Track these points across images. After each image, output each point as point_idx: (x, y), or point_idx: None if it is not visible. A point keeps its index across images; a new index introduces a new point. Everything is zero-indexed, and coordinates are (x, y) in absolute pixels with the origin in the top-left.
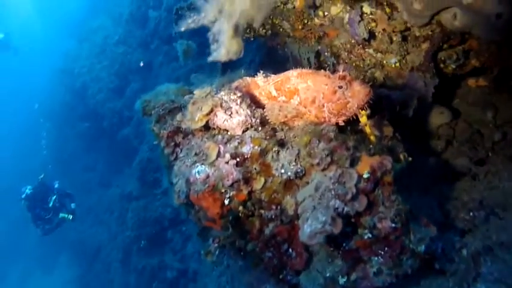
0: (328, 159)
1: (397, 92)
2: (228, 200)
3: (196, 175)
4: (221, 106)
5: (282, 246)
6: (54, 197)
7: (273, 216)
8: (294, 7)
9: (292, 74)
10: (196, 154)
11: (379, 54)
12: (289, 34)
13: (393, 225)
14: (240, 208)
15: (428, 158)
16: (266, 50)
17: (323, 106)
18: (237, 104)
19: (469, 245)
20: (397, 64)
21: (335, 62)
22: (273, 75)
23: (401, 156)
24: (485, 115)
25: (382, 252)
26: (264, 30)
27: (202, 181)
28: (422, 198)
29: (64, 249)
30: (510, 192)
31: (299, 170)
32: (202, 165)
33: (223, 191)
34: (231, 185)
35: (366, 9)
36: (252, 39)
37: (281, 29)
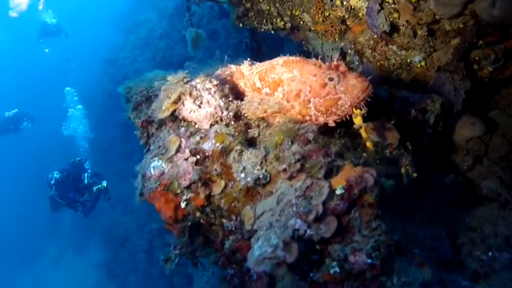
0: (298, 165)
1: (418, 94)
2: (184, 203)
3: (152, 171)
4: (190, 94)
5: (243, 264)
6: (86, 173)
7: (233, 228)
8: None
9: (278, 61)
10: (159, 147)
11: (403, 52)
12: (310, 28)
13: (369, 260)
14: (198, 214)
15: (445, 176)
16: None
17: (309, 101)
18: (209, 94)
19: None
20: (423, 63)
21: (359, 60)
22: (258, 63)
23: (403, 170)
24: None
25: None
26: (282, 22)
27: (156, 178)
28: (429, 227)
29: (96, 233)
30: None
31: (261, 176)
32: (159, 160)
33: (178, 192)
34: (188, 186)
35: None
36: (272, 32)
37: (302, 22)
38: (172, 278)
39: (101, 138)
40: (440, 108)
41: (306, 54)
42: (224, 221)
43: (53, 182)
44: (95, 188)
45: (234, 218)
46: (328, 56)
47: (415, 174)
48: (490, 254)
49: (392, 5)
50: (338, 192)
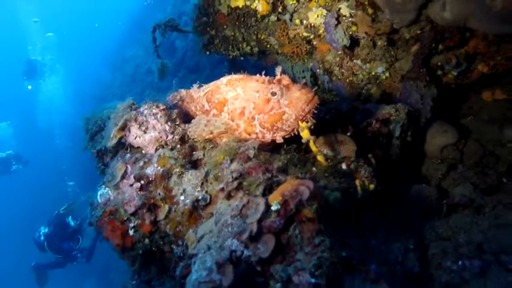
0: (235, 183)
1: (381, 105)
2: (132, 230)
3: (98, 199)
4: (136, 120)
5: None
6: (70, 216)
7: (181, 254)
8: (261, 16)
9: (222, 81)
10: (108, 175)
11: (367, 65)
12: (278, 51)
13: (313, 280)
14: (147, 241)
15: (414, 187)
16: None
17: (253, 119)
18: (155, 118)
19: None
20: (387, 74)
21: (329, 79)
22: (204, 85)
23: (357, 183)
24: (503, 133)
25: None
26: (249, 47)
27: (102, 206)
28: (394, 240)
29: (92, 272)
30: None
31: (200, 197)
32: (106, 188)
33: (125, 218)
34: (134, 213)
35: (345, 11)
36: (241, 58)
37: (269, 45)
38: None
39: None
40: (407, 118)
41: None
42: (173, 246)
43: (42, 238)
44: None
45: (180, 243)
46: (299, 78)
47: (372, 186)
48: (460, 263)
49: (350, 19)
50: (273, 208)
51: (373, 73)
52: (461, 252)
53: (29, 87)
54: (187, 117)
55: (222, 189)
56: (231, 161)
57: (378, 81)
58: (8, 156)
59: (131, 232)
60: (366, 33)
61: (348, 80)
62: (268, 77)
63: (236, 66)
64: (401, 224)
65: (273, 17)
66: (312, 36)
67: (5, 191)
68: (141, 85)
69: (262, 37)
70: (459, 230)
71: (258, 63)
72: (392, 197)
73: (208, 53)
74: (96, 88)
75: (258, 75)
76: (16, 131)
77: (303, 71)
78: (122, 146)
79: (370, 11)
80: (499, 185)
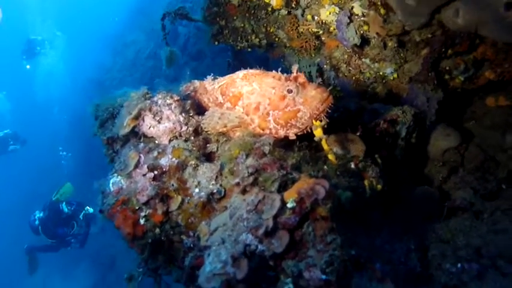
0: (250, 179)
1: (389, 106)
2: (143, 219)
3: (110, 187)
4: (150, 110)
5: None
6: (64, 203)
7: (192, 245)
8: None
9: (238, 75)
10: (120, 163)
11: (376, 65)
12: (286, 44)
13: (324, 276)
14: (157, 230)
15: (417, 189)
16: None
17: (268, 114)
18: (169, 109)
19: None
20: (395, 75)
21: (335, 75)
22: (220, 78)
23: (366, 183)
24: (504, 139)
25: None
26: (257, 39)
27: (114, 194)
28: (398, 240)
29: (84, 258)
30: None
31: (215, 191)
32: (118, 176)
33: (136, 208)
34: (146, 202)
35: (357, 10)
36: (249, 49)
37: (277, 39)
38: None
39: (89, 158)
40: (413, 120)
41: (285, 71)
42: (183, 237)
43: (37, 222)
44: (81, 215)
45: (191, 234)
46: (305, 72)
47: (379, 186)
48: (459, 265)
49: (362, 18)
50: (289, 205)
51: (381, 73)
52: (460, 255)
53: (28, 66)
54: (199, 109)
55: (238, 184)
56: (247, 156)
57: (384, 81)
58: (6, 135)
59: (142, 221)
60: (377, 33)
61: (354, 78)
62: (284, 74)
63: (239, 57)
64: (404, 224)
65: (284, 11)
66: (321, 32)
67: (2, 171)
68: (141, 70)
69: (271, 30)
70: (458, 233)
71: (262, 55)
72: (396, 198)
73: (217, 43)
74: (95, 72)
75: (274, 71)
76: (13, 106)
77: (309, 66)
78: (133, 134)
79: (382, 11)
80: (498, 191)
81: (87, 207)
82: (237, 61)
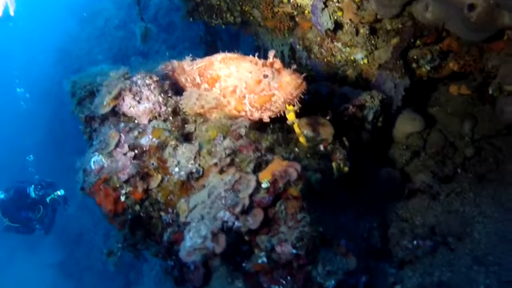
0: (228, 160)
1: (358, 91)
2: (124, 196)
3: (92, 165)
4: (130, 90)
5: None
6: (32, 186)
7: (171, 221)
8: None
9: (216, 58)
10: (100, 142)
11: (347, 49)
12: (260, 23)
13: (294, 251)
14: (137, 207)
15: (381, 170)
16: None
17: (244, 97)
18: (149, 89)
19: (405, 282)
20: (365, 60)
21: (307, 56)
22: (198, 59)
23: (334, 165)
24: (463, 127)
25: (284, 282)
26: (232, 17)
27: (96, 173)
28: (361, 218)
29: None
30: (470, 219)
31: (194, 170)
32: (99, 155)
33: (117, 186)
34: (127, 181)
35: None
36: (223, 26)
37: (252, 18)
38: (128, 275)
39: (55, 132)
40: (380, 104)
41: (259, 48)
42: (162, 214)
43: None
44: (48, 199)
45: (170, 211)
46: (277, 52)
47: (346, 169)
48: (415, 242)
49: (337, 4)
50: (264, 185)
51: (352, 58)
52: (417, 232)
53: None
54: (177, 88)
55: (216, 164)
56: (224, 137)
57: (354, 64)
58: None
59: (122, 198)
60: (350, 19)
61: (326, 60)
62: (261, 59)
63: (211, 31)
64: (367, 203)
65: None
66: (295, 13)
67: None
68: (110, 40)
69: (246, 9)
70: (416, 212)
71: (235, 31)
72: (361, 178)
73: (191, 19)
74: (62, 41)
75: (250, 56)
76: None
77: (282, 45)
78: (112, 113)
79: None
80: (454, 174)
81: (58, 191)
82: (209, 35)
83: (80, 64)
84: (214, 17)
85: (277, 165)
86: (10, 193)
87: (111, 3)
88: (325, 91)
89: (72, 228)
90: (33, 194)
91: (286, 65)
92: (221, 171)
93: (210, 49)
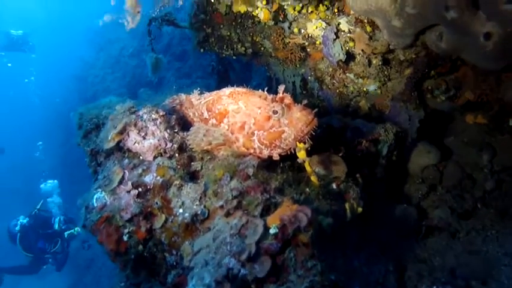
0: (234, 202)
1: (371, 124)
2: (126, 236)
3: (94, 202)
4: (135, 125)
5: None
6: (58, 218)
7: (175, 263)
8: (263, 22)
9: (225, 92)
10: (104, 178)
11: (360, 80)
12: (271, 54)
13: None
14: (140, 247)
15: (396, 207)
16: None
17: (253, 134)
18: (155, 124)
19: None
20: (378, 91)
21: (319, 87)
22: (206, 93)
23: (347, 206)
24: (481, 158)
25: None
26: (243, 48)
27: (98, 210)
28: (376, 261)
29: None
30: (494, 260)
31: (199, 212)
32: (102, 192)
33: (120, 224)
34: (130, 219)
35: (344, 26)
36: (234, 57)
37: (263, 48)
38: None
39: (68, 158)
40: (394, 138)
41: (270, 79)
42: (166, 255)
43: (18, 228)
44: (66, 234)
45: (174, 252)
46: (289, 82)
47: (360, 209)
48: (434, 287)
49: (348, 34)
50: (272, 231)
51: (364, 89)
52: (436, 276)
53: (9, 64)
54: (184, 123)
55: (222, 207)
56: (231, 178)
57: (367, 96)
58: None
59: (125, 238)
60: (362, 50)
61: (338, 91)
62: (271, 94)
63: (224, 62)
64: (382, 244)
65: (270, 21)
66: (307, 44)
67: None
68: (124, 68)
69: (257, 39)
70: (435, 253)
71: (248, 61)
72: (374, 216)
73: (202, 50)
74: (76, 67)
75: (260, 90)
76: None
77: (294, 76)
78: (117, 148)
79: (368, 29)
80: (474, 210)
81: (77, 228)
82: (221, 66)
83: (95, 91)
84: (225, 48)
85: (286, 209)
86: (31, 220)
87: (126, 32)
88: (338, 124)
89: (82, 255)
90: (56, 226)
91: (297, 96)
92: (227, 214)
93: (222, 79)
